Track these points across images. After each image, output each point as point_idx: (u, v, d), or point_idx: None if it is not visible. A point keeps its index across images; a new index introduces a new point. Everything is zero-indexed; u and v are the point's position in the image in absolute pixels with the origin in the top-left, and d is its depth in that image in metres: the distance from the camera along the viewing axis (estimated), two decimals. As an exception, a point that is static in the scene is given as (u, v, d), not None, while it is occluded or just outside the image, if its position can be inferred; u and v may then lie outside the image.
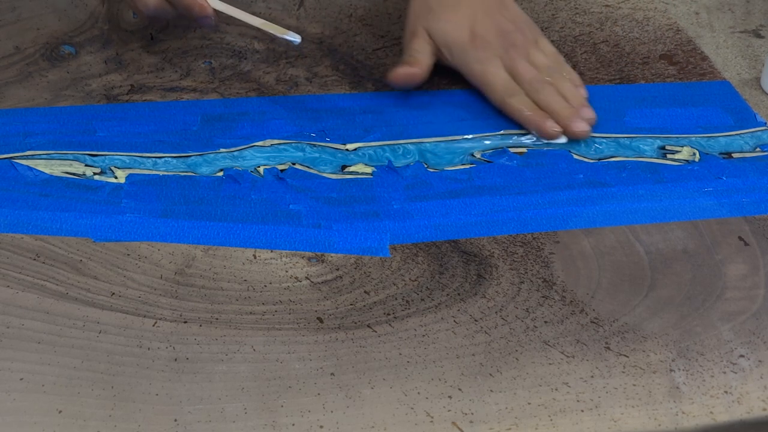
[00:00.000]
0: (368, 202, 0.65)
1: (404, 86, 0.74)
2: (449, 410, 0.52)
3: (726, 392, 0.54)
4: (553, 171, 0.68)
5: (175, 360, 0.54)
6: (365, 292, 0.59)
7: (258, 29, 0.72)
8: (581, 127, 0.70)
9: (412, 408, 0.52)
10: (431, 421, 0.51)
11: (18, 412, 0.50)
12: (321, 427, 0.51)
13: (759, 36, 0.86)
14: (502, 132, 0.72)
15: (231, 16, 0.71)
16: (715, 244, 0.64)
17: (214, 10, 0.70)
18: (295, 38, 0.71)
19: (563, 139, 0.71)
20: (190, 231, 0.62)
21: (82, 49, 0.77)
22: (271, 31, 0.71)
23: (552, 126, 0.70)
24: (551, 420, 0.52)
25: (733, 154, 0.71)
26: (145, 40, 0.78)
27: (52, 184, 0.64)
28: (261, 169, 0.67)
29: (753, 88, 0.79)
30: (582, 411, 0.52)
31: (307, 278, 0.59)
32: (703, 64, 0.80)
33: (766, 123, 0.75)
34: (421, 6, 0.74)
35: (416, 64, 0.73)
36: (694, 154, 0.71)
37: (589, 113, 0.71)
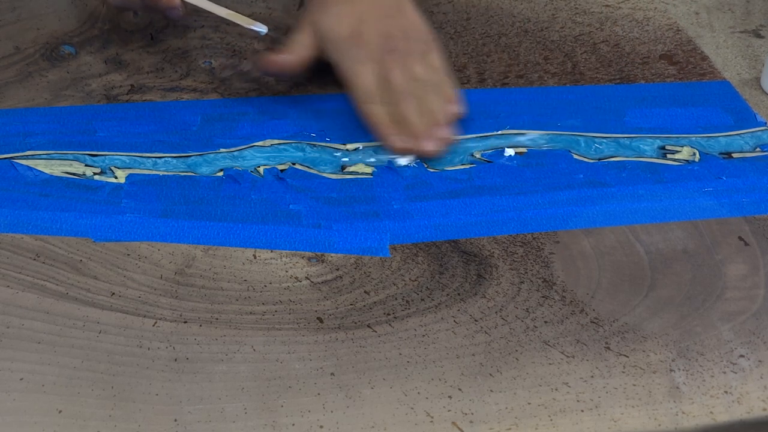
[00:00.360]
0: (368, 202, 0.65)
1: (276, 73, 0.72)
2: (449, 410, 0.52)
3: (726, 392, 0.54)
4: (553, 171, 0.68)
5: (175, 360, 0.54)
6: (365, 292, 0.59)
7: (225, 20, 0.71)
8: (429, 146, 0.67)
9: (412, 408, 0.52)
10: (431, 421, 0.51)
11: (18, 412, 0.50)
12: (321, 427, 0.51)
13: (759, 36, 0.86)
14: (501, 132, 0.72)
15: (198, 8, 0.71)
16: (715, 244, 0.64)
17: (181, 1, 0.69)
18: (262, 28, 0.70)
19: (404, 160, 0.68)
20: (190, 231, 0.62)
21: (82, 49, 0.77)
22: (238, 22, 0.71)
23: (398, 141, 0.67)
24: (551, 420, 0.52)
25: (733, 154, 0.71)
26: (145, 40, 0.78)
27: (52, 184, 0.64)
28: (261, 169, 0.67)
29: (753, 88, 0.79)
30: (582, 411, 0.52)
31: (307, 278, 0.59)
32: (703, 64, 0.80)
33: (766, 123, 0.75)
34: (318, 1, 0.72)
35: (290, 53, 0.70)
36: (694, 154, 0.71)
37: (446, 133, 0.68)
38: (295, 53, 0.71)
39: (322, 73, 0.73)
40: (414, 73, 0.69)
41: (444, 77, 0.71)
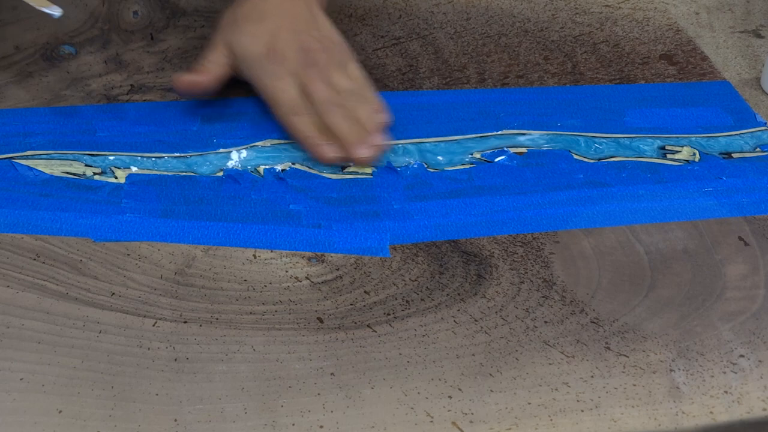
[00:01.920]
0: (368, 202, 0.65)
1: (187, 93, 0.71)
2: (449, 410, 0.52)
3: (726, 392, 0.54)
4: (553, 171, 0.68)
5: (175, 360, 0.54)
6: (365, 292, 0.59)
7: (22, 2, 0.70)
8: (363, 153, 0.66)
9: (412, 408, 0.52)
10: (431, 421, 0.51)
11: (18, 412, 0.50)
12: (321, 427, 0.51)
13: (759, 36, 0.86)
14: (501, 132, 0.72)
15: None
16: (715, 244, 0.64)
17: None
18: (55, 11, 0.69)
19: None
20: (190, 231, 0.62)
21: (82, 49, 0.77)
22: (31, 3, 0.69)
23: (329, 151, 0.66)
24: (551, 420, 0.52)
25: (733, 154, 0.71)
26: (145, 40, 0.78)
27: (52, 184, 0.64)
28: (261, 169, 0.67)
29: (753, 88, 0.79)
30: (582, 411, 0.52)
31: (307, 278, 0.60)
32: (703, 64, 0.80)
33: (766, 123, 0.75)
34: (229, 19, 0.71)
35: (203, 73, 0.70)
36: (694, 154, 0.71)
37: (377, 140, 0.67)
38: (209, 73, 0.70)
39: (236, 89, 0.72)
40: (336, 84, 0.68)
41: (366, 86, 0.70)
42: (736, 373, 0.55)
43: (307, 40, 0.69)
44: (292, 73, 0.68)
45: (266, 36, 0.69)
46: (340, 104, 0.67)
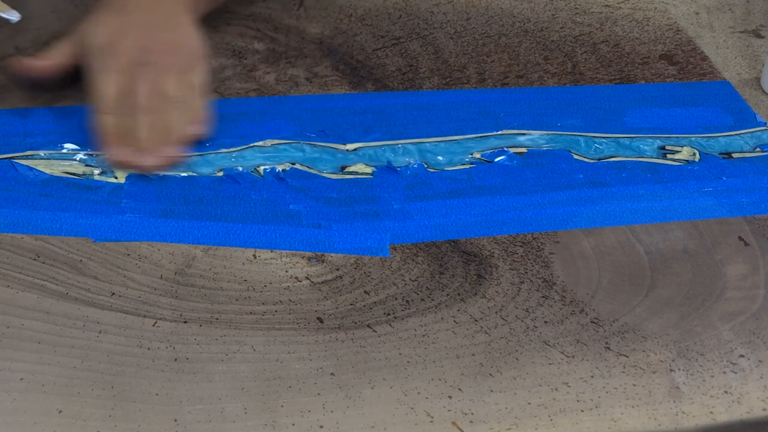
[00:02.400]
0: (368, 202, 0.65)
1: (24, 78, 0.69)
2: (449, 410, 0.52)
3: (726, 392, 0.54)
4: (553, 171, 0.68)
5: (175, 360, 0.54)
6: (365, 292, 0.59)
7: None
8: (147, 162, 0.65)
9: (412, 408, 0.52)
10: (431, 421, 0.51)
11: (18, 412, 0.50)
12: (321, 427, 0.51)
13: (759, 36, 0.86)
14: (502, 132, 0.72)
15: None
16: (715, 244, 0.64)
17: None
18: (13, 16, 0.68)
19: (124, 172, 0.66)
20: (190, 231, 0.62)
21: (82, 49, 0.77)
22: None
23: (116, 154, 0.65)
24: (551, 420, 0.52)
25: (733, 154, 0.71)
26: (145, 40, 0.78)
27: (52, 184, 0.64)
28: (261, 169, 0.67)
29: (753, 88, 0.79)
30: (582, 411, 0.52)
31: (307, 278, 0.59)
32: (703, 64, 0.80)
33: (766, 123, 0.75)
34: (95, 8, 0.70)
35: (42, 59, 0.69)
36: (694, 154, 0.71)
37: (172, 151, 0.66)
38: (50, 59, 0.69)
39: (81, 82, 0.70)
40: (162, 88, 0.66)
41: (196, 96, 0.68)
42: (736, 373, 0.55)
43: (153, 40, 0.68)
44: (121, 70, 0.66)
45: (115, 29, 0.68)
46: (154, 110, 0.66)
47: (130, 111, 0.65)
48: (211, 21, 0.80)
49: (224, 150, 0.68)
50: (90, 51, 0.68)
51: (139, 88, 0.66)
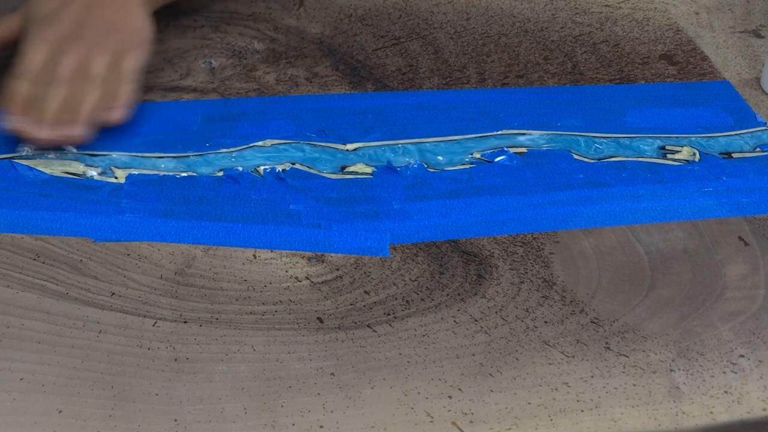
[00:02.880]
0: (368, 202, 0.65)
1: None
2: (449, 410, 0.52)
3: (726, 392, 0.54)
4: (553, 171, 0.68)
5: (175, 360, 0.54)
6: (365, 292, 0.59)
7: None
8: (41, 134, 0.64)
9: (412, 408, 0.52)
10: (431, 421, 0.51)
11: (18, 412, 0.50)
12: (321, 427, 0.51)
13: (759, 36, 0.86)
14: (502, 132, 0.72)
15: None
16: (715, 244, 0.64)
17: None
18: None
19: (24, 151, 0.65)
20: (190, 231, 0.62)
21: (82, 49, 0.77)
22: None
23: (12, 121, 0.64)
24: (551, 420, 0.52)
25: (733, 154, 0.71)
26: (145, 40, 0.78)
27: (52, 184, 0.64)
28: (261, 169, 0.67)
29: (753, 88, 0.79)
30: (582, 411, 0.52)
31: (307, 278, 0.59)
32: (703, 64, 0.80)
33: (766, 123, 0.75)
34: None
35: None
36: (694, 154, 0.71)
37: (74, 131, 0.64)
38: None
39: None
40: (88, 65, 0.66)
41: (123, 81, 0.67)
42: (736, 373, 0.55)
43: (95, 17, 0.67)
44: (52, 40, 0.66)
45: (60, 3, 0.68)
46: (72, 84, 0.65)
47: (46, 81, 0.64)
48: (211, 21, 0.80)
49: (224, 150, 0.68)
50: (31, 21, 0.68)
51: (64, 61, 0.65)
